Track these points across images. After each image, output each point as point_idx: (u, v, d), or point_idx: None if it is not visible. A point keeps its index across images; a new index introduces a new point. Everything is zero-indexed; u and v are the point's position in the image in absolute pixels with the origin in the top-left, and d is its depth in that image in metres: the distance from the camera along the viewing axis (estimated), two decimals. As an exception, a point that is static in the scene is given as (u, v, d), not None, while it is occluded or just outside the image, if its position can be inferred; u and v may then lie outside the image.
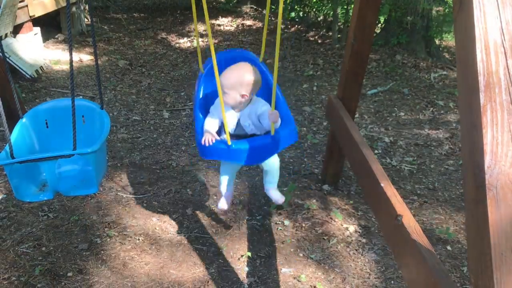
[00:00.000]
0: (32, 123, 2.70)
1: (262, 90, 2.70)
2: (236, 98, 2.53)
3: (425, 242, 1.86)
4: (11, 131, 2.49)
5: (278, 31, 2.12)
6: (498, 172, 1.42)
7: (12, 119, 3.71)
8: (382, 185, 2.31)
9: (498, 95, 1.42)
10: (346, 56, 3.41)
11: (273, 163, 2.85)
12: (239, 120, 2.62)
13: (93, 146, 2.34)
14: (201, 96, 2.79)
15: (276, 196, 2.98)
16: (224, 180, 2.97)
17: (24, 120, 2.67)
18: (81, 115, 2.66)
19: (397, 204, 2.14)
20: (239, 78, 2.50)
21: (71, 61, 2.21)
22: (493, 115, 1.43)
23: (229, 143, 2.40)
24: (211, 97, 2.78)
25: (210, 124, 2.61)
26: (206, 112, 2.74)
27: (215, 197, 3.92)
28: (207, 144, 2.46)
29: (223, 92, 2.46)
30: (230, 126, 2.56)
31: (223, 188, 3.00)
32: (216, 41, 8.73)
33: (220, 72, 2.37)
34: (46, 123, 2.76)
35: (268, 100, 2.63)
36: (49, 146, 2.70)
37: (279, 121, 2.50)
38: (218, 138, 2.53)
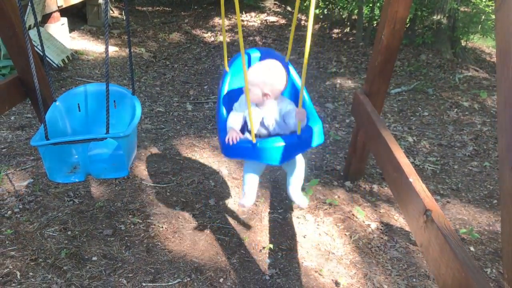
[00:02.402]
0: (65, 106, 2.76)
1: (289, 90, 2.65)
2: (258, 96, 2.46)
3: (455, 237, 1.84)
4: (45, 113, 2.55)
5: (309, 29, 2.02)
6: (537, 167, 1.41)
7: (45, 105, 3.80)
8: (410, 180, 2.29)
9: (540, 88, 1.40)
10: (374, 52, 3.39)
11: (298, 164, 2.75)
12: (263, 119, 2.54)
13: (125, 130, 2.38)
14: (225, 93, 2.73)
15: (299, 200, 2.85)
16: (248, 179, 2.81)
17: (57, 103, 2.72)
18: (112, 100, 2.70)
19: (426, 199, 2.12)
20: (265, 76, 2.43)
21: (106, 48, 2.25)
22: (533, 109, 1.41)
23: (254, 141, 2.32)
24: (234, 95, 2.73)
25: (234, 121, 2.53)
26: (229, 110, 2.67)
27: (237, 189, 3.94)
28: (231, 143, 2.38)
29: (248, 88, 2.33)
30: (254, 124, 2.45)
31: (247, 188, 2.81)
32: (237, 36, 8.74)
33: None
34: (78, 107, 2.81)
35: (294, 100, 2.59)
36: (80, 129, 2.76)
37: (306, 120, 2.42)
38: (242, 136, 2.45)
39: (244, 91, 2.36)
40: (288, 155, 2.42)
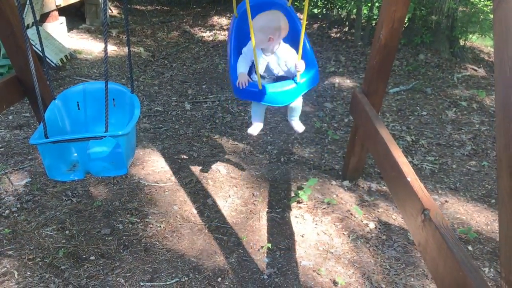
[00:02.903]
0: (64, 105, 2.76)
1: (292, 36, 2.99)
2: (263, 40, 2.81)
3: (452, 236, 1.84)
4: (44, 111, 2.54)
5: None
6: (535, 166, 1.40)
7: (43, 103, 3.79)
8: (408, 179, 2.29)
9: (538, 87, 1.40)
10: (373, 51, 3.39)
11: (296, 102, 3.15)
12: (268, 63, 2.95)
13: (125, 129, 2.38)
14: (234, 38, 3.10)
15: (298, 126, 3.40)
16: (255, 112, 3.31)
17: (56, 101, 2.72)
18: (112, 98, 2.70)
19: (424, 198, 2.12)
20: (269, 22, 2.80)
21: (105, 46, 2.25)
22: (531, 108, 1.41)
23: (260, 87, 2.76)
24: (243, 39, 3.06)
25: (243, 66, 2.93)
26: (239, 54, 3.03)
27: (235, 188, 3.94)
28: (241, 87, 2.81)
29: (254, 33, 2.70)
30: (260, 68, 2.87)
31: (254, 119, 3.33)
32: None
33: (252, 16, 2.62)
34: (78, 105, 2.82)
35: (296, 46, 2.87)
36: (79, 127, 2.75)
37: (303, 67, 2.83)
38: (251, 80, 2.87)
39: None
40: (289, 98, 2.91)
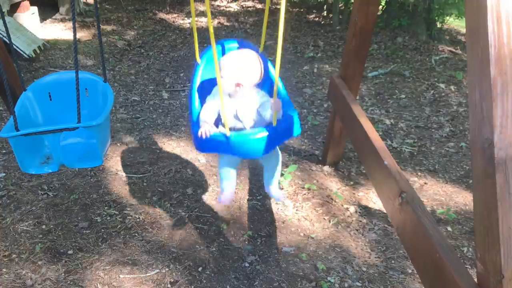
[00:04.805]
0: (35, 96, 2.68)
1: (263, 81, 2.51)
2: (230, 86, 2.33)
3: (429, 219, 1.85)
4: (14, 104, 2.47)
5: (281, 18, 1.88)
6: (508, 146, 1.40)
7: (13, 95, 3.68)
8: (385, 163, 2.29)
9: (510, 67, 1.39)
10: (349, 35, 3.36)
11: (274, 158, 2.69)
12: (236, 111, 2.41)
13: (98, 119, 2.33)
14: (197, 85, 2.63)
15: (278, 194, 2.84)
16: (224, 174, 2.74)
17: (27, 92, 2.65)
18: (84, 88, 2.63)
19: (401, 182, 2.12)
20: (239, 65, 2.33)
21: (74, 34, 2.18)
22: (503, 88, 1.40)
23: (228, 134, 2.21)
24: (208, 86, 2.60)
25: (207, 114, 2.40)
26: (202, 103, 2.55)
27: (215, 177, 3.90)
28: (204, 136, 2.28)
29: (221, 76, 2.25)
30: (228, 116, 2.32)
31: (225, 184, 2.76)
32: (215, 22, 8.64)
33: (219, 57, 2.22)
34: (50, 96, 2.74)
35: (269, 92, 2.50)
36: (52, 118, 2.68)
37: (281, 112, 2.34)
38: (216, 130, 2.35)
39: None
40: (264, 147, 2.31)
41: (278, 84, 2.37)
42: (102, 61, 2.67)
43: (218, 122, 2.49)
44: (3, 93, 3.70)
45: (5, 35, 5.79)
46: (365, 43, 3.35)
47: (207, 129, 2.28)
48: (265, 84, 2.60)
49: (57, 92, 2.74)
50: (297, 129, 2.41)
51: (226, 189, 2.75)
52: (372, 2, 3.10)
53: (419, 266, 1.86)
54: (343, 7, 8.49)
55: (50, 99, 2.75)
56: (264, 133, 2.24)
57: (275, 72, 2.19)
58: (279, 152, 2.69)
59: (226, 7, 9.58)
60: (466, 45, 1.58)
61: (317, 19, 8.84)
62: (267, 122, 2.39)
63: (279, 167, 2.74)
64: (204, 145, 2.35)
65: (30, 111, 2.66)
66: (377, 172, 2.41)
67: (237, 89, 2.35)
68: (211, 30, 1.98)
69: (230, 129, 2.29)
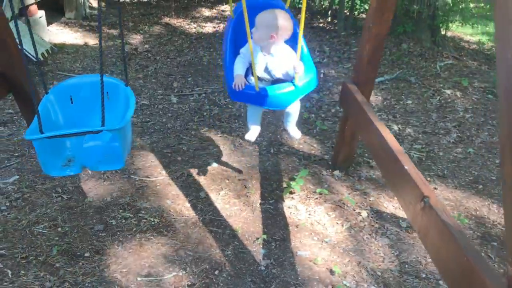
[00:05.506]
0: (57, 99, 2.72)
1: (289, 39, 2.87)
2: (264, 37, 2.69)
3: (454, 223, 1.87)
4: (38, 106, 2.50)
5: None
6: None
7: (26, 101, 3.70)
8: (406, 167, 2.32)
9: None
10: (362, 41, 3.39)
11: (294, 106, 3.04)
12: (266, 63, 2.80)
13: (121, 122, 2.35)
14: (229, 38, 2.99)
15: (294, 132, 3.24)
16: (251, 116, 3.20)
17: (49, 95, 2.67)
18: (105, 91, 2.66)
19: (423, 186, 2.15)
20: (274, 19, 2.66)
21: (100, 39, 2.21)
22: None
23: (257, 89, 2.61)
24: (240, 41, 2.94)
25: (240, 67, 2.80)
26: (235, 55, 2.91)
27: (227, 181, 3.93)
28: (237, 89, 2.67)
29: (256, 27, 2.66)
30: (258, 68, 2.76)
31: (251, 124, 3.21)
32: (221, 27, 8.68)
33: (250, 17, 2.48)
34: (71, 99, 2.77)
35: (294, 48, 2.79)
36: (73, 121, 2.71)
37: (302, 69, 2.70)
38: (247, 83, 2.74)
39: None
40: (286, 101, 2.78)
41: (302, 44, 2.71)
42: (125, 65, 2.71)
43: (248, 72, 2.89)
44: (20, 96, 3.73)
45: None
46: (378, 49, 3.38)
47: (240, 81, 2.68)
48: (289, 43, 2.92)
49: (78, 95, 2.77)
50: (314, 84, 2.83)
51: (252, 127, 3.22)
52: (387, 9, 3.13)
53: (445, 270, 1.88)
54: (348, 13, 8.54)
55: (71, 102, 2.78)
56: (289, 89, 2.68)
57: (298, 36, 2.61)
58: (299, 101, 3.00)
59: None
60: (496, 50, 1.60)
61: (321, 25, 8.89)
62: (291, 76, 2.77)
63: (297, 111, 3.15)
64: (236, 95, 2.76)
65: (52, 113, 2.69)
66: (396, 177, 2.44)
67: (270, 42, 2.72)
68: None
69: (260, 80, 2.81)
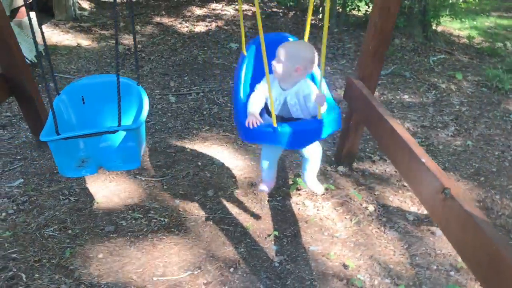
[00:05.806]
0: (69, 99, 2.70)
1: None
2: (289, 70, 2.44)
3: (478, 213, 1.90)
4: (52, 107, 2.48)
5: (327, 9, 2.08)
6: None
7: (29, 101, 3.67)
8: (423, 160, 2.34)
9: None
10: (368, 36, 3.42)
11: (315, 150, 2.81)
12: (285, 98, 2.52)
13: (137, 121, 2.35)
14: (242, 76, 2.76)
15: (315, 187, 3.01)
16: (266, 164, 2.95)
17: (61, 95, 2.66)
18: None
19: (442, 178, 2.18)
20: (300, 50, 2.47)
21: (116, 39, 2.20)
22: None
23: (275, 125, 2.34)
24: (254, 79, 2.75)
25: (254, 105, 2.53)
26: (248, 94, 2.70)
27: (233, 179, 3.93)
28: (251, 127, 2.38)
29: (277, 61, 2.42)
30: (276, 105, 2.50)
31: (266, 174, 3.00)
32: (213, 26, 8.66)
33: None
34: (83, 99, 2.75)
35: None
36: (86, 121, 2.70)
37: (325, 105, 2.44)
38: (262, 121, 2.45)
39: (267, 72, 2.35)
40: (308, 140, 2.50)
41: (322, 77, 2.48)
42: (136, 63, 2.70)
43: (263, 111, 2.60)
44: (22, 99, 3.69)
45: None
46: (383, 44, 3.41)
47: (254, 120, 2.39)
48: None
49: (90, 96, 2.76)
50: (338, 124, 2.53)
51: (267, 179, 3.02)
52: (392, 3, 3.16)
53: (471, 260, 1.91)
54: (340, 9, 8.59)
55: (83, 102, 2.76)
56: (309, 126, 2.39)
57: (320, 65, 2.35)
58: (320, 145, 2.80)
59: (221, 11, 9.60)
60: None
61: (313, 22, 8.91)
62: (311, 113, 2.52)
63: (319, 161, 2.91)
64: (250, 134, 2.44)
65: (64, 114, 2.67)
66: (413, 170, 2.46)
67: (295, 75, 2.46)
68: (260, 22, 2.08)
69: (277, 117, 2.41)
